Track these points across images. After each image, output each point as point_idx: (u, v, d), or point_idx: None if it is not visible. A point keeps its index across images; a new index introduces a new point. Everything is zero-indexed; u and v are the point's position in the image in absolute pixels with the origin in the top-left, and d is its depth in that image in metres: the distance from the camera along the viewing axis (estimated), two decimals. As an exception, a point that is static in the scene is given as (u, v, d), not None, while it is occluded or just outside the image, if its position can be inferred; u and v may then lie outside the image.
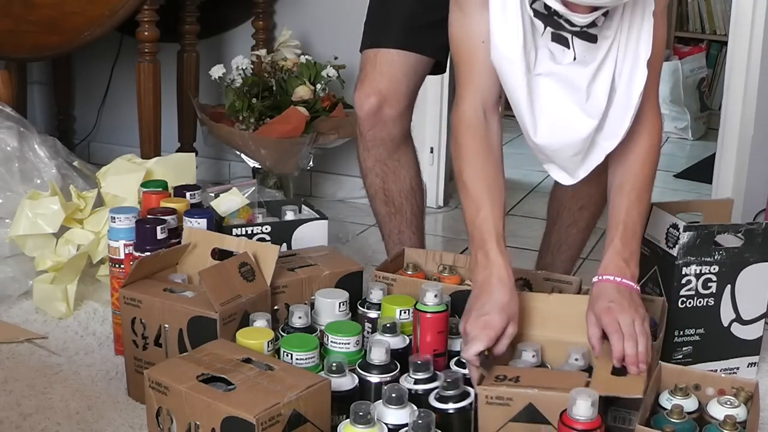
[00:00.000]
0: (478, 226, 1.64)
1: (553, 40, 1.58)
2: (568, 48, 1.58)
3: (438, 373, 1.55)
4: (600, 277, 1.61)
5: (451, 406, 1.48)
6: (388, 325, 1.64)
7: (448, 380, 1.48)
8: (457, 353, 1.64)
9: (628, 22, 1.58)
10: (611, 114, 1.64)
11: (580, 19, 1.50)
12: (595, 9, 1.48)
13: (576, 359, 1.55)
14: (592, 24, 1.54)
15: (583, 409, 1.32)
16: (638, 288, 1.61)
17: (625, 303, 1.56)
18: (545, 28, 1.57)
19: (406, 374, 1.56)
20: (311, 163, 2.76)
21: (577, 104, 1.62)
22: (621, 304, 1.56)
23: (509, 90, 1.63)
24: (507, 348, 1.58)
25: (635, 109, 1.63)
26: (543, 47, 1.60)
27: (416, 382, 1.53)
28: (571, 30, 1.55)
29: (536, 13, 1.55)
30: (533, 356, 1.58)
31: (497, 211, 1.66)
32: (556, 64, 1.60)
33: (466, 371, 1.56)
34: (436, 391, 1.50)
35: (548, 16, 1.54)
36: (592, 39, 1.57)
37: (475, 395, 1.49)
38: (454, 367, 1.61)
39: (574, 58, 1.58)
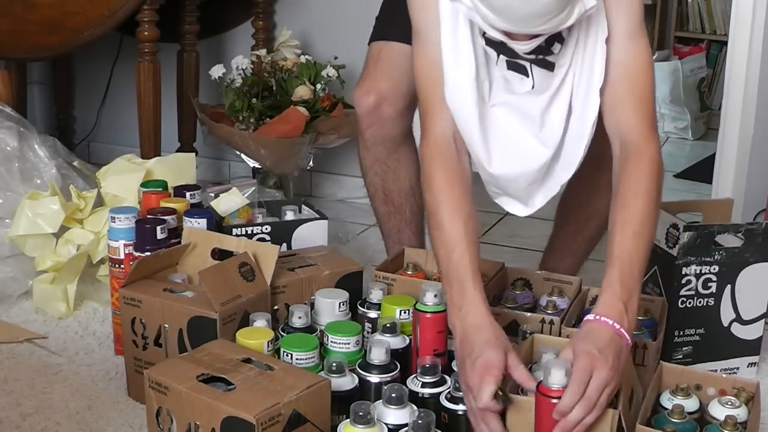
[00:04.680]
0: (454, 263, 1.54)
1: (509, 68, 1.56)
2: (527, 76, 1.56)
3: (445, 376, 1.55)
4: (596, 317, 1.44)
5: (461, 408, 1.47)
6: (388, 325, 1.64)
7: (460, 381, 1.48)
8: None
9: (582, 49, 1.56)
10: (567, 142, 1.62)
11: (522, 47, 1.47)
12: (534, 36, 1.45)
13: None
14: (549, 51, 1.52)
15: (557, 377, 1.33)
16: (630, 342, 1.44)
17: (610, 360, 1.38)
18: (498, 57, 1.54)
19: (413, 376, 1.56)
20: (311, 163, 2.75)
21: (532, 133, 1.60)
22: (606, 358, 1.37)
23: (461, 121, 1.60)
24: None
25: (588, 138, 1.60)
26: (498, 77, 1.58)
27: (423, 385, 1.53)
28: (529, 58, 1.53)
29: (488, 42, 1.53)
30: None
31: (473, 249, 1.55)
32: (510, 94, 1.58)
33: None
34: (447, 391, 1.50)
35: (501, 44, 1.50)
36: (550, 67, 1.55)
37: None
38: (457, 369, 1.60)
39: (533, 87, 1.56)
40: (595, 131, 1.75)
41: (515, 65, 1.55)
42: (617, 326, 1.42)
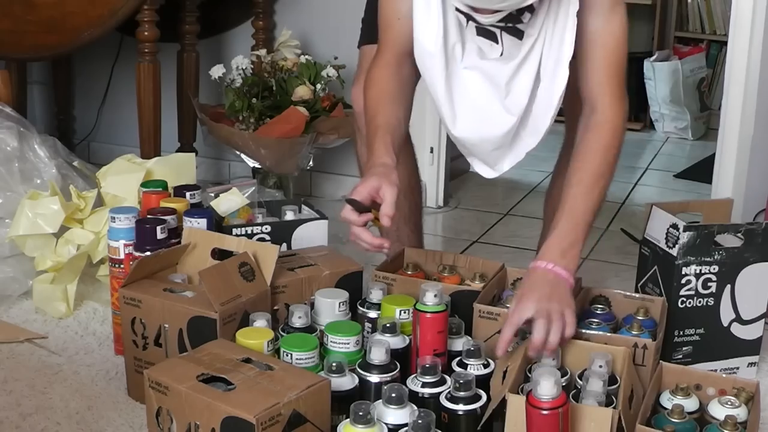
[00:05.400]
0: (371, 138, 1.74)
1: (479, 34, 1.61)
2: (497, 43, 1.61)
3: (445, 376, 1.55)
4: (533, 264, 1.61)
5: (461, 408, 1.47)
6: (388, 325, 1.64)
7: (460, 381, 1.48)
8: (458, 353, 1.64)
9: (553, 20, 1.60)
10: (534, 110, 1.67)
11: (485, 20, 1.53)
12: (497, 11, 1.51)
13: (600, 366, 1.52)
14: (519, 20, 1.56)
15: (547, 388, 1.33)
16: (570, 279, 1.60)
17: (543, 289, 1.56)
18: (468, 23, 1.60)
19: (413, 376, 1.56)
20: (311, 163, 2.76)
21: (498, 100, 1.66)
22: (539, 290, 1.56)
23: (429, 83, 1.68)
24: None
25: (556, 108, 1.66)
26: (471, 41, 1.63)
27: (423, 385, 1.53)
28: (499, 25, 1.57)
29: (458, 8, 1.58)
30: (553, 359, 1.57)
31: (391, 125, 1.74)
32: (482, 59, 1.63)
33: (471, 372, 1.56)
34: (447, 390, 1.50)
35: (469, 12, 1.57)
36: (520, 35, 1.60)
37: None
38: (456, 369, 1.60)
39: (501, 54, 1.60)
40: (574, 122, 1.77)
41: (485, 31, 1.60)
42: (551, 266, 1.59)
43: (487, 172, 1.78)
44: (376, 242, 1.67)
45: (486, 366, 1.60)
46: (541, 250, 1.63)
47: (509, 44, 1.60)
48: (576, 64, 1.67)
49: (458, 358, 1.62)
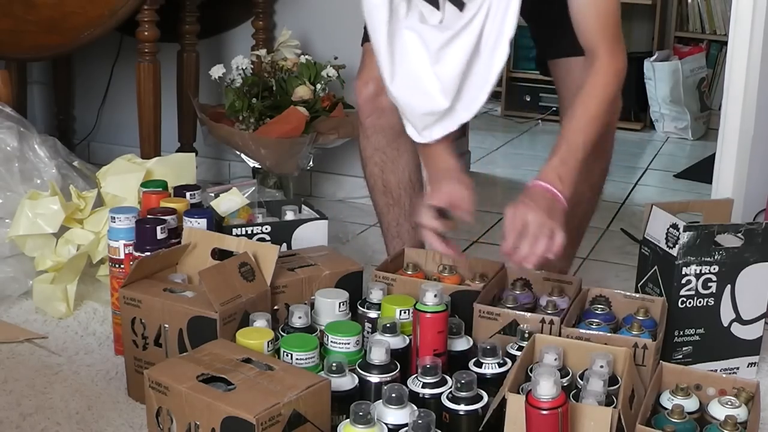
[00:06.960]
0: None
1: None
2: (438, 9, 1.64)
3: (446, 376, 1.55)
4: (532, 182, 1.69)
5: (462, 408, 1.47)
6: (388, 325, 1.64)
7: (462, 381, 1.47)
8: (458, 353, 1.64)
9: None
10: (471, 83, 1.69)
11: None
12: None
13: (601, 366, 1.52)
14: None
15: (546, 388, 1.32)
16: (564, 203, 1.68)
17: (541, 204, 1.64)
18: None
19: (413, 377, 1.56)
20: (311, 163, 2.76)
21: (429, 65, 1.68)
22: (537, 203, 1.64)
23: (372, 38, 1.72)
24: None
25: (492, 84, 1.69)
26: (416, 6, 1.65)
27: (424, 385, 1.53)
28: None
29: None
30: (555, 359, 1.57)
31: None
32: (421, 23, 1.65)
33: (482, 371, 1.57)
34: (448, 390, 1.50)
35: None
36: (461, 6, 1.62)
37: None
38: (472, 368, 1.60)
39: (441, 21, 1.63)
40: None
41: None
42: (549, 186, 1.67)
43: (414, 135, 1.83)
44: (448, 251, 1.79)
45: (501, 365, 1.60)
46: (540, 172, 1.71)
47: (449, 13, 1.63)
48: (571, 14, 1.73)
49: (475, 358, 1.62)
